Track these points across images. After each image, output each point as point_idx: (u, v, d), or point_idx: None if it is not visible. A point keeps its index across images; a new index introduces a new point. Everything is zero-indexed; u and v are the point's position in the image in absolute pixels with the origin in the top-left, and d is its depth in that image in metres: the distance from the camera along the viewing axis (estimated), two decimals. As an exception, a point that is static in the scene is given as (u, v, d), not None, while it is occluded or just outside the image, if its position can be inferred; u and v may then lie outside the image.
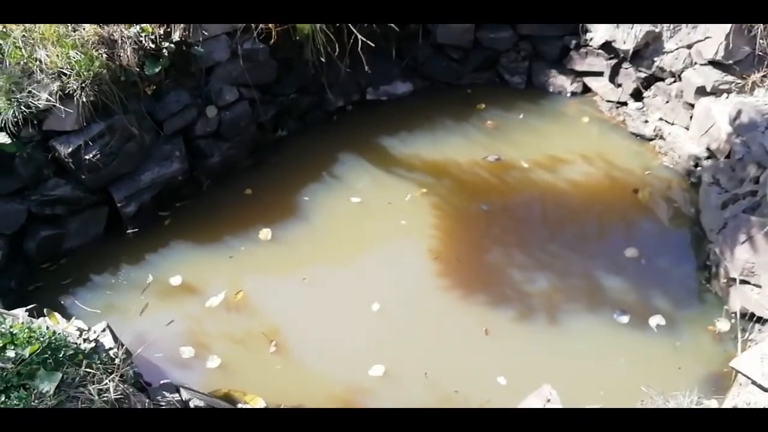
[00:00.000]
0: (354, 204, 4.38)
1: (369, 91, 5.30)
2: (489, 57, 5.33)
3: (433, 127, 4.98)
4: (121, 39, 3.96)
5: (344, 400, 3.25)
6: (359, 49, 4.54)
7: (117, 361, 2.83)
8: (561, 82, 5.25)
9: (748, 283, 3.45)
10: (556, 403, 2.72)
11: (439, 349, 3.51)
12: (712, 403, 2.72)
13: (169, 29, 4.11)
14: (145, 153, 4.19)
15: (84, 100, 3.73)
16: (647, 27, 4.63)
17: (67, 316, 3.23)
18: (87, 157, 3.82)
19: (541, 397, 2.78)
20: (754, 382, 2.66)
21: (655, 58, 4.70)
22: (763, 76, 4.16)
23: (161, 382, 3.21)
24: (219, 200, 4.43)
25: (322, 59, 4.62)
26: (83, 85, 3.73)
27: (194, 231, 4.17)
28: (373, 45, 4.59)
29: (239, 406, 3.19)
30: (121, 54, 3.95)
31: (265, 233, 4.16)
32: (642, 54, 4.77)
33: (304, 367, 3.45)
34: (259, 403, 3.19)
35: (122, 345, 3.03)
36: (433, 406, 3.17)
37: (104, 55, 3.86)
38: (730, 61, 4.21)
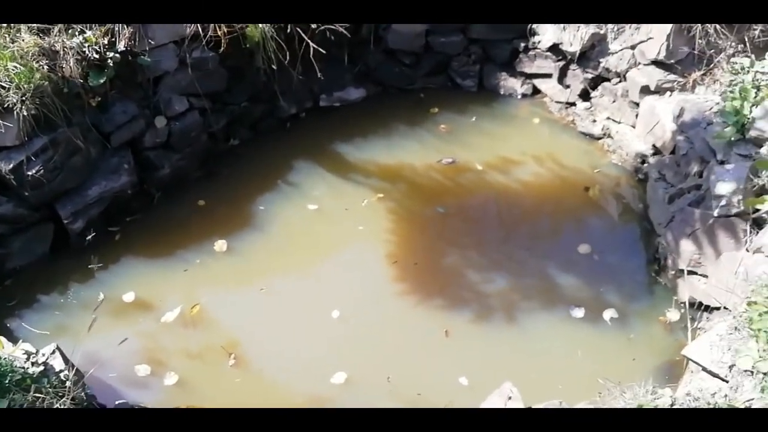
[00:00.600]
0: (310, 211, 4.35)
1: (322, 97, 5.27)
2: (440, 61, 5.38)
3: (387, 132, 4.99)
4: (63, 50, 3.84)
5: (307, 410, 3.22)
6: (311, 55, 4.52)
7: (68, 383, 2.75)
8: (512, 84, 5.34)
9: (695, 273, 3.56)
10: (517, 400, 2.75)
11: (400, 353, 3.51)
12: (667, 392, 2.80)
13: (113, 39, 4.01)
14: (91, 167, 4.07)
15: (25, 113, 3.60)
16: (592, 29, 4.75)
17: (14, 340, 3.11)
18: (30, 172, 3.69)
19: (502, 396, 2.80)
20: (704, 369, 2.75)
21: (601, 59, 4.83)
22: (703, 74, 4.32)
23: (116, 403, 3.13)
24: (171, 213, 4.34)
25: (274, 67, 4.58)
26: (23, 98, 3.59)
27: (146, 245, 4.07)
28: (325, 52, 4.57)
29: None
30: (64, 65, 3.83)
31: (220, 245, 4.08)
32: (588, 55, 4.89)
33: (264, 378, 3.41)
34: (220, 418, 3.13)
35: (73, 367, 2.93)
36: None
37: (45, 67, 3.73)
38: (672, 61, 4.36)
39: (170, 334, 3.60)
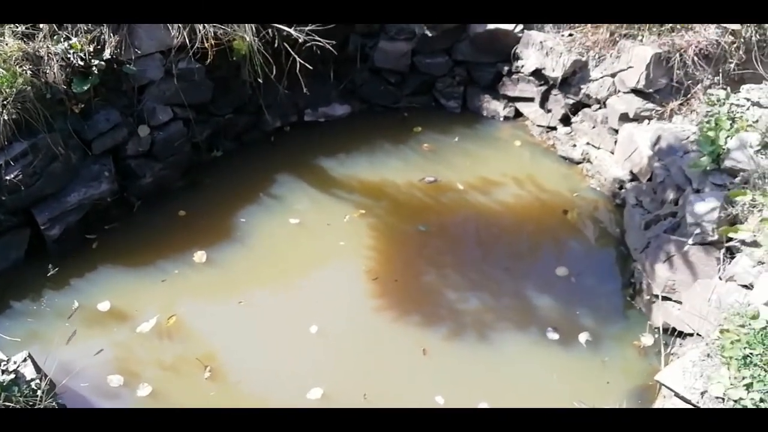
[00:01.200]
0: (292, 225, 4.35)
1: (307, 112, 5.30)
2: (425, 81, 5.44)
3: (371, 149, 5.02)
4: (48, 55, 3.82)
5: (281, 426, 3.20)
6: (297, 70, 4.54)
7: (39, 392, 2.71)
8: (494, 107, 5.42)
9: (669, 299, 3.63)
10: (493, 421, 2.76)
11: (377, 370, 3.51)
12: (639, 416, 2.83)
13: (99, 46, 3.99)
14: (71, 173, 4.03)
15: (6, 118, 3.57)
16: (574, 56, 4.85)
17: (-16, 347, 3.05)
18: (8, 177, 3.64)
19: (478, 416, 2.81)
20: (677, 395, 2.79)
21: (582, 86, 4.92)
22: (680, 104, 4.43)
23: (87, 413, 3.06)
24: (151, 222, 4.30)
25: (260, 80, 4.59)
26: (5, 102, 3.56)
27: (124, 254, 4.03)
28: (311, 67, 4.60)
29: None
30: (47, 71, 3.81)
31: (200, 256, 4.06)
32: (570, 81, 4.99)
33: (240, 392, 3.38)
34: None
35: (45, 376, 2.89)
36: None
37: (29, 72, 3.71)
38: (651, 90, 4.47)
39: (145, 344, 3.55)
